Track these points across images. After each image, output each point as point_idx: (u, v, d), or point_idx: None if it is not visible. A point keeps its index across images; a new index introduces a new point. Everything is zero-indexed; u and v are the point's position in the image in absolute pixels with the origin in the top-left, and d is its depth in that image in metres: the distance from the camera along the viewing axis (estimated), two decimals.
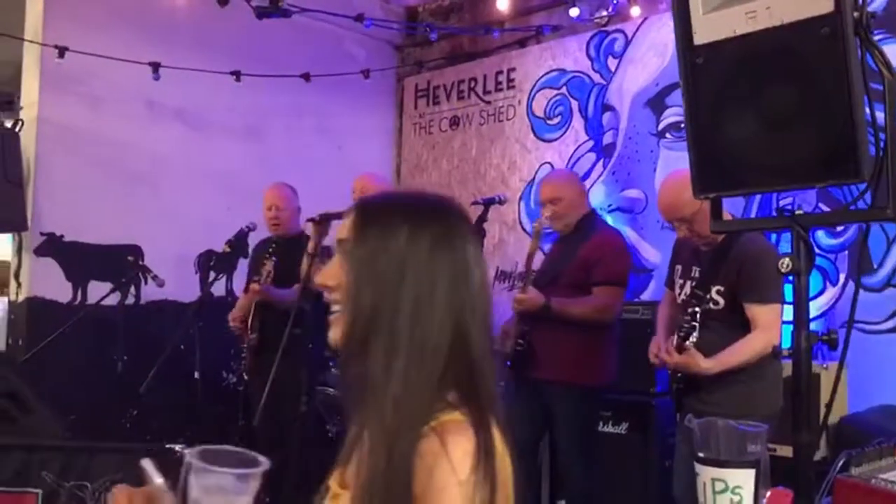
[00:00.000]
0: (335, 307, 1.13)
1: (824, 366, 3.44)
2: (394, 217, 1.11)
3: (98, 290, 4.74)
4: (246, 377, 4.37)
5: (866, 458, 2.65)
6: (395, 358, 1.05)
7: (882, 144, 1.77)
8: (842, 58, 1.72)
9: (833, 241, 4.01)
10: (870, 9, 1.80)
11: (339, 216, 3.64)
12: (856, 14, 1.75)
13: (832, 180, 1.81)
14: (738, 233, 2.73)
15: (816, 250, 4.02)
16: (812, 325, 4.17)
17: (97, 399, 4.72)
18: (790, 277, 1.85)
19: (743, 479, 1.69)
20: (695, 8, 1.93)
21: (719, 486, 1.69)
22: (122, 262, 4.84)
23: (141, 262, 4.80)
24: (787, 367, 3.04)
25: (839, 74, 1.72)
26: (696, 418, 2.89)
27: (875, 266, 3.86)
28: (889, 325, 3.81)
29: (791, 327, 3.80)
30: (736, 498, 1.68)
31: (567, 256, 3.62)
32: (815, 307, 4.00)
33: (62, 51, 4.33)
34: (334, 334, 1.13)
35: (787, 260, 1.83)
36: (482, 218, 3.56)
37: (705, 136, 1.97)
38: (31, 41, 4.55)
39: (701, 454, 1.74)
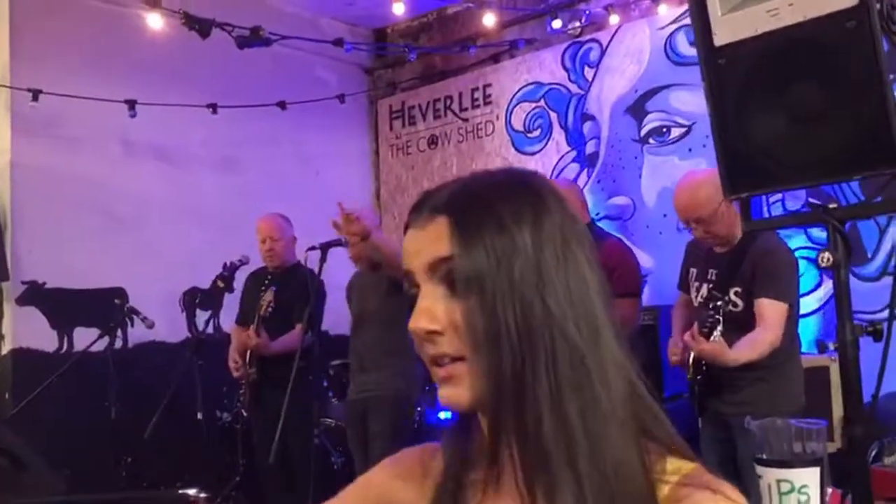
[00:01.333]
0: (447, 359, 0.79)
1: (833, 358, 3.46)
2: (503, 206, 0.78)
3: (84, 336, 4.62)
4: (245, 414, 4.27)
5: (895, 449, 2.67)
6: (578, 397, 0.75)
7: None
8: (870, 49, 1.72)
9: (825, 235, 4.04)
10: None
11: (339, 243, 3.59)
12: (878, 5, 1.76)
13: (867, 171, 1.81)
14: (754, 234, 2.74)
15: (809, 243, 4.09)
16: (810, 320, 4.19)
17: (91, 449, 4.58)
18: (830, 271, 1.85)
19: (809, 479, 1.67)
20: (713, 9, 1.93)
21: (785, 486, 1.67)
22: (107, 306, 4.72)
23: (128, 305, 4.68)
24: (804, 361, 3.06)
25: (869, 65, 1.73)
26: (719, 420, 2.89)
27: (868, 256, 3.91)
28: (886, 314, 3.84)
29: (810, 321, 3.80)
30: (803, 498, 1.66)
31: None
32: (814, 300, 4.04)
33: (36, 94, 4.22)
34: (458, 395, 0.78)
35: (826, 254, 1.83)
36: None
37: (732, 136, 1.96)
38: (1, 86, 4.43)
39: (762, 455, 1.72)
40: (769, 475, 1.71)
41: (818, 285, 4.05)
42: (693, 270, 3.00)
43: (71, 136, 4.62)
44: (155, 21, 4.07)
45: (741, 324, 2.71)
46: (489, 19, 5.09)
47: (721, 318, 2.54)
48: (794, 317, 2.80)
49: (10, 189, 4.47)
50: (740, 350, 2.60)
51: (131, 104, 4.48)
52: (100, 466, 4.65)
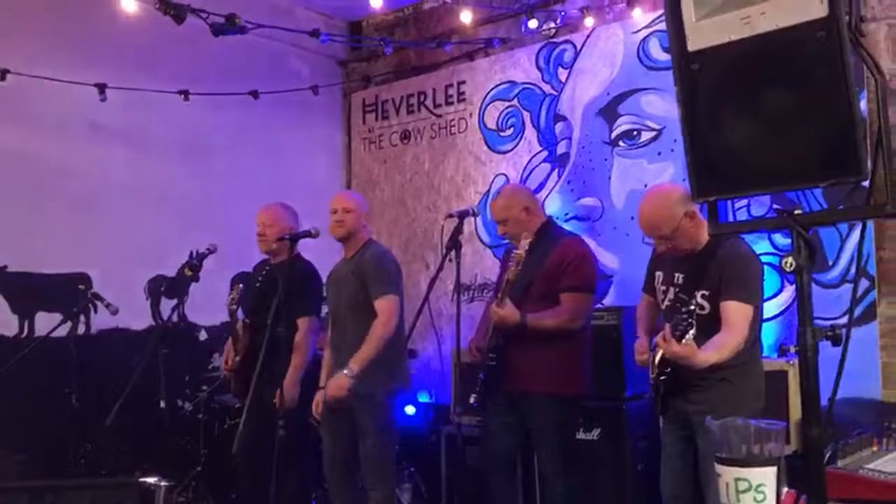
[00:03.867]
0: None
1: (791, 363, 3.54)
2: None
3: (46, 322, 4.55)
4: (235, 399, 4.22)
5: (850, 450, 2.73)
6: None
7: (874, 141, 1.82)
8: (838, 59, 1.77)
9: (787, 241, 4.11)
10: None
11: (309, 234, 3.59)
12: (847, 17, 1.81)
13: (833, 179, 1.85)
14: (720, 239, 2.79)
15: (773, 249, 4.16)
16: (771, 325, 4.27)
17: (51, 435, 4.52)
18: (792, 277, 1.89)
19: (766, 478, 1.71)
20: (688, 15, 1.96)
21: (742, 485, 1.71)
22: (70, 291, 4.66)
23: (91, 290, 4.62)
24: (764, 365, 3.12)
25: (837, 75, 1.77)
26: (680, 419, 2.94)
27: (830, 263, 3.99)
28: (846, 319, 3.93)
29: (771, 325, 3.87)
30: (760, 496, 1.70)
31: (534, 267, 3.63)
32: (774, 305, 4.11)
33: (3, 73, 4.15)
34: None
35: (789, 259, 1.87)
36: (458, 230, 3.55)
37: (702, 140, 1.99)
38: None
39: (721, 454, 1.76)
40: (728, 473, 1.76)
41: (780, 291, 4.12)
42: (659, 274, 3.05)
43: (38, 118, 4.55)
44: (129, 4, 4.02)
45: (707, 327, 2.76)
46: (465, 16, 5.11)
47: (694, 322, 2.58)
48: (758, 320, 2.86)
49: None
50: (708, 353, 2.65)
51: (101, 87, 4.43)
52: (58, 453, 4.60)
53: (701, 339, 2.69)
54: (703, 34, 1.95)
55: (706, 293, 2.80)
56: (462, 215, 3.63)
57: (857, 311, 3.92)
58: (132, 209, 4.96)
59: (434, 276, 3.67)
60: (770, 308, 4.09)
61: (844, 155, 1.78)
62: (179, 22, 3.61)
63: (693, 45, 1.96)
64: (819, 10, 1.78)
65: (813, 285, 3.95)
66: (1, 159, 4.46)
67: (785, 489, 1.83)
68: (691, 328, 2.54)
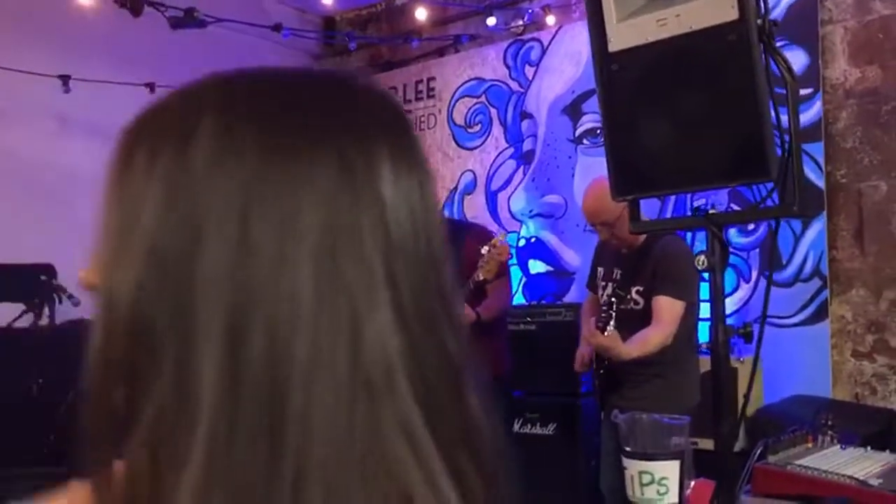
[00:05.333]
0: None
1: (741, 359, 3.58)
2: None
3: (9, 312, 4.56)
4: None
5: (782, 447, 2.77)
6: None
7: (787, 145, 1.86)
8: (747, 62, 1.80)
9: (745, 240, 4.17)
10: (771, 17, 1.90)
11: None
12: (759, 21, 1.84)
13: (742, 180, 1.90)
14: (657, 236, 2.83)
15: (730, 248, 4.20)
16: (728, 321, 4.32)
17: (12, 426, 4.53)
18: (706, 275, 1.93)
19: (669, 471, 1.75)
20: (609, 16, 1.99)
21: (646, 478, 1.75)
22: (33, 282, 4.66)
23: (55, 282, 4.64)
24: (705, 362, 3.16)
25: (745, 78, 1.81)
26: (621, 414, 2.98)
27: (784, 262, 4.03)
28: (798, 318, 3.98)
29: (708, 323, 3.92)
30: (662, 489, 1.74)
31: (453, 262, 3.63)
32: (729, 304, 4.14)
33: None
34: None
35: (702, 257, 1.90)
36: None
37: (621, 140, 2.03)
38: None
39: (627, 448, 1.79)
40: (633, 467, 1.79)
41: (735, 288, 4.16)
42: (600, 270, 3.09)
43: (1, 110, 4.56)
44: None
45: (641, 321, 2.80)
46: (420, 14, 5.11)
47: (614, 314, 2.63)
48: (691, 316, 2.90)
49: None
50: (631, 345, 2.70)
51: (65, 79, 4.43)
52: (22, 443, 4.61)
53: (634, 334, 2.73)
54: (622, 36, 1.98)
55: (640, 289, 2.84)
56: None
57: (809, 311, 3.97)
58: (98, 200, 4.96)
59: None
60: (725, 306, 4.13)
61: (753, 157, 1.82)
62: (136, 15, 3.63)
63: (613, 45, 2.00)
64: (730, 14, 1.82)
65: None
66: None
67: (693, 482, 1.87)
68: (611, 320, 2.58)
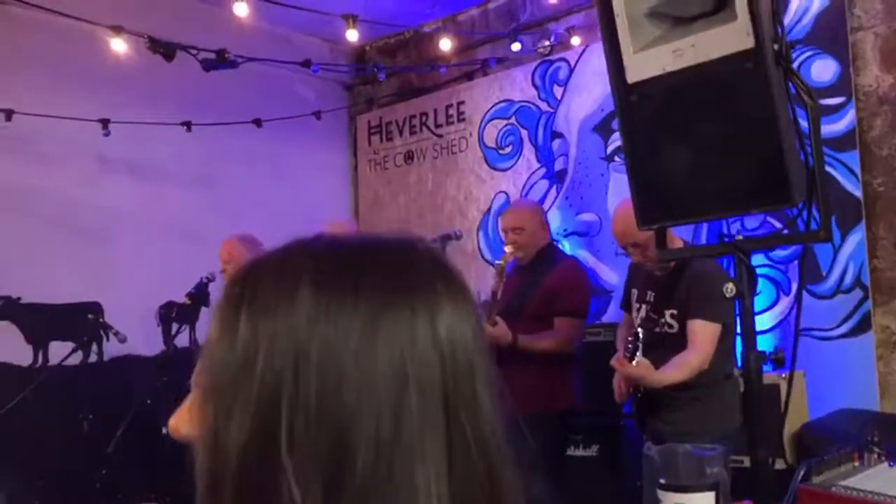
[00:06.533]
0: None
1: (783, 376, 3.53)
2: None
3: (59, 351, 4.69)
4: None
5: (826, 466, 2.72)
6: None
7: (811, 169, 1.85)
8: (765, 90, 1.81)
9: (783, 253, 4.11)
10: (800, 25, 1.90)
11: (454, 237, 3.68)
12: (776, 46, 1.84)
13: (765, 206, 1.90)
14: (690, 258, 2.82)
15: (768, 262, 4.15)
16: (767, 336, 4.26)
17: (65, 462, 4.64)
18: (787, 287, 1.92)
19: (705, 502, 1.74)
20: (625, 47, 2.01)
21: None
22: (82, 321, 4.79)
23: (101, 320, 4.76)
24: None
25: (764, 105, 1.81)
26: (657, 438, 2.96)
27: (823, 274, 3.98)
28: (841, 330, 3.92)
29: (767, 337, 3.86)
30: None
31: (530, 287, 3.67)
32: (768, 318, 4.10)
33: (8, 114, 4.31)
34: None
35: (730, 285, 1.90)
36: None
37: (644, 169, 2.04)
38: None
39: (662, 480, 1.79)
40: (668, 499, 1.79)
41: (775, 302, 4.11)
42: (634, 291, 3.08)
43: (45, 154, 4.71)
44: (119, 45, 4.15)
45: (676, 345, 2.78)
46: (444, 44, 5.15)
47: (641, 344, 2.61)
48: (729, 336, 2.87)
49: None
50: (665, 372, 2.68)
51: (104, 123, 4.57)
52: (75, 479, 4.72)
53: (669, 358, 2.72)
54: (639, 66, 2.00)
55: (674, 312, 2.82)
56: (445, 240, 3.68)
57: (852, 323, 3.90)
58: (141, 238, 5.10)
59: None
60: (766, 320, 4.09)
61: (775, 183, 1.82)
62: (169, 60, 3.73)
63: (631, 76, 2.01)
64: (746, 42, 1.83)
65: (807, 296, 3.95)
66: (13, 196, 4.61)
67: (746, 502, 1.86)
68: (638, 350, 2.57)
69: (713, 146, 1.90)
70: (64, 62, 4.76)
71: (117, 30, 3.94)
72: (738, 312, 1.95)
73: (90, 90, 4.78)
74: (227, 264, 4.11)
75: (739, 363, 1.96)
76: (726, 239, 1.97)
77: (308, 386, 0.58)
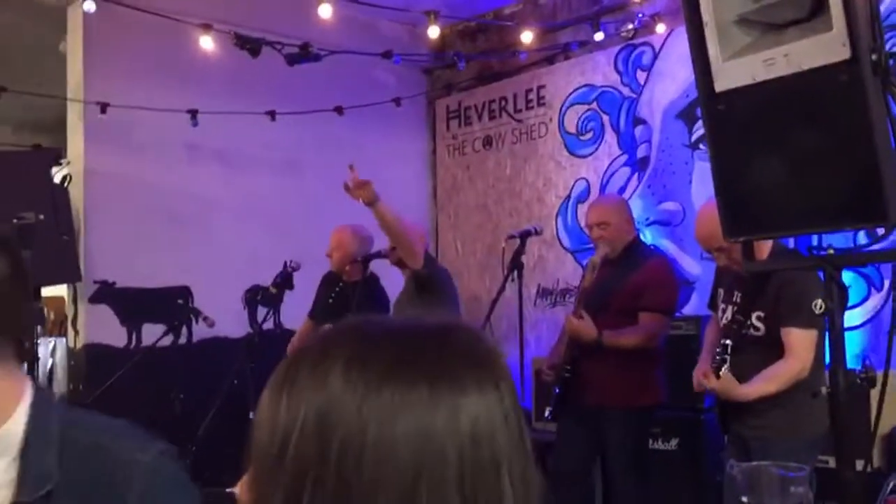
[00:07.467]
0: None
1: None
2: None
3: (151, 332, 4.90)
4: None
5: None
6: None
7: None
8: (862, 103, 1.74)
9: (874, 247, 3.95)
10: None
11: (380, 255, 3.73)
12: (874, 56, 1.77)
13: (859, 223, 1.83)
14: (779, 256, 2.74)
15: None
16: (857, 333, 4.12)
17: (160, 439, 4.85)
18: (879, 283, 1.87)
19: None
20: (714, 56, 1.96)
21: None
22: (173, 304, 4.99)
23: (191, 304, 4.94)
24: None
25: (860, 119, 1.74)
26: (740, 443, 2.91)
27: None
28: None
29: (855, 335, 3.73)
30: None
31: (617, 282, 3.63)
32: (859, 313, 3.97)
33: (104, 107, 4.49)
34: None
35: (819, 301, 1.85)
36: (519, 251, 3.61)
37: (731, 179, 2.00)
38: (72, 100, 4.72)
39: (744, 499, 1.77)
40: None
41: (865, 298, 3.97)
42: (720, 291, 3.02)
43: (138, 144, 4.89)
44: (207, 42, 4.26)
45: (762, 348, 2.73)
46: (526, 37, 5.09)
47: (728, 357, 2.57)
48: (820, 339, 2.79)
49: (84, 195, 4.76)
50: (754, 385, 2.64)
51: (193, 113, 4.71)
52: None
53: (755, 359, 2.67)
54: (728, 75, 1.94)
55: (761, 314, 2.75)
56: (524, 236, 3.67)
57: None
58: (229, 224, 5.25)
59: (495, 299, 3.70)
60: (855, 316, 3.96)
61: (870, 200, 1.75)
62: (255, 55, 3.81)
63: (720, 85, 1.96)
64: (842, 53, 1.76)
65: None
66: (108, 184, 4.82)
67: None
68: (725, 364, 2.52)
69: (805, 159, 1.84)
70: (157, 57, 4.91)
71: (206, 27, 4.04)
72: (826, 327, 1.89)
73: (180, 83, 4.93)
74: (335, 251, 4.19)
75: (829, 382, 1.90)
76: (816, 252, 1.92)
77: (329, 467, 0.62)
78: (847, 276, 3.11)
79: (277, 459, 0.64)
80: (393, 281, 4.28)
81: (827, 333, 1.87)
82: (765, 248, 2.71)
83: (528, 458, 0.66)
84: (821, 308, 1.84)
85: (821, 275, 2.41)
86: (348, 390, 0.62)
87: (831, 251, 1.90)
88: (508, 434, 0.64)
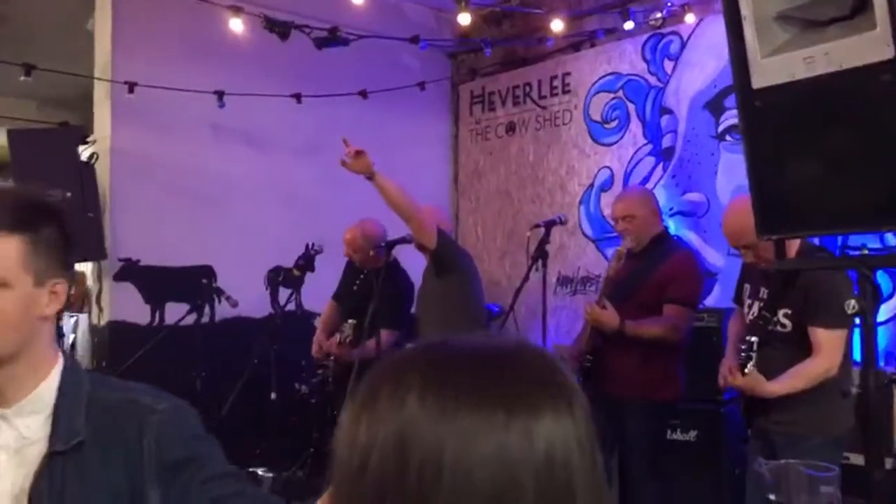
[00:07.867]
0: None
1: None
2: None
3: (174, 311, 4.94)
4: (331, 380, 4.43)
5: None
6: None
7: None
8: None
9: None
10: None
11: (404, 241, 3.74)
12: None
13: (895, 225, 1.82)
14: (808, 253, 2.72)
15: (885, 248, 3.98)
16: (884, 329, 4.09)
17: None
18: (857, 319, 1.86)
19: None
20: (752, 52, 1.95)
21: None
22: (196, 283, 5.02)
23: (214, 284, 4.98)
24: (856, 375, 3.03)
25: None
26: (765, 438, 2.91)
27: None
28: None
29: (881, 331, 3.71)
30: None
31: (642, 275, 3.62)
32: (885, 310, 3.94)
33: (131, 86, 4.50)
34: None
35: (852, 301, 1.84)
36: (544, 240, 3.61)
37: (766, 177, 1.99)
38: (100, 79, 4.74)
39: (772, 497, 1.78)
40: None
41: (892, 294, 3.94)
42: (747, 286, 3.01)
43: (165, 124, 4.91)
44: (237, 25, 4.26)
45: (788, 344, 2.72)
46: (556, 25, 5.04)
47: (754, 354, 2.56)
48: (848, 341, 2.78)
49: (110, 173, 4.80)
50: (782, 382, 2.63)
51: (220, 95, 4.72)
52: None
53: (781, 356, 2.66)
54: (767, 72, 1.93)
55: (789, 312, 2.74)
56: (549, 225, 3.67)
57: None
58: (252, 205, 5.28)
59: (519, 288, 3.70)
60: (882, 312, 3.93)
61: None
62: (284, 38, 3.81)
63: (757, 82, 1.95)
64: (885, 52, 1.74)
65: None
66: (133, 163, 4.85)
67: None
68: (750, 361, 2.52)
69: (843, 159, 1.83)
70: (185, 38, 4.93)
71: (236, 10, 4.04)
72: (858, 327, 1.88)
73: (207, 64, 4.94)
74: (354, 254, 4.24)
75: (858, 383, 1.91)
76: (849, 252, 1.91)
77: (408, 487, 0.63)
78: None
79: (358, 477, 0.65)
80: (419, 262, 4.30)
81: (859, 333, 1.86)
82: (793, 246, 2.69)
83: (602, 484, 0.67)
84: (853, 308, 1.83)
85: (850, 274, 2.42)
86: (425, 414, 0.64)
87: (865, 251, 1.90)
88: (582, 458, 0.65)
